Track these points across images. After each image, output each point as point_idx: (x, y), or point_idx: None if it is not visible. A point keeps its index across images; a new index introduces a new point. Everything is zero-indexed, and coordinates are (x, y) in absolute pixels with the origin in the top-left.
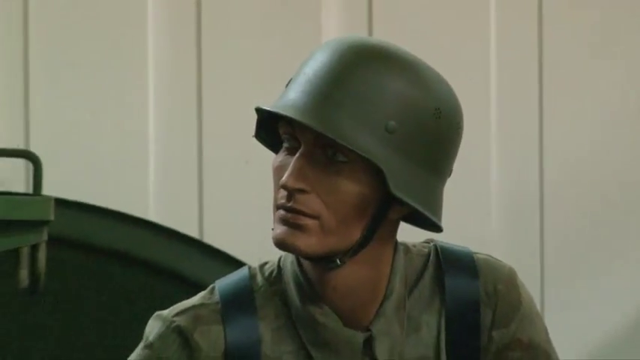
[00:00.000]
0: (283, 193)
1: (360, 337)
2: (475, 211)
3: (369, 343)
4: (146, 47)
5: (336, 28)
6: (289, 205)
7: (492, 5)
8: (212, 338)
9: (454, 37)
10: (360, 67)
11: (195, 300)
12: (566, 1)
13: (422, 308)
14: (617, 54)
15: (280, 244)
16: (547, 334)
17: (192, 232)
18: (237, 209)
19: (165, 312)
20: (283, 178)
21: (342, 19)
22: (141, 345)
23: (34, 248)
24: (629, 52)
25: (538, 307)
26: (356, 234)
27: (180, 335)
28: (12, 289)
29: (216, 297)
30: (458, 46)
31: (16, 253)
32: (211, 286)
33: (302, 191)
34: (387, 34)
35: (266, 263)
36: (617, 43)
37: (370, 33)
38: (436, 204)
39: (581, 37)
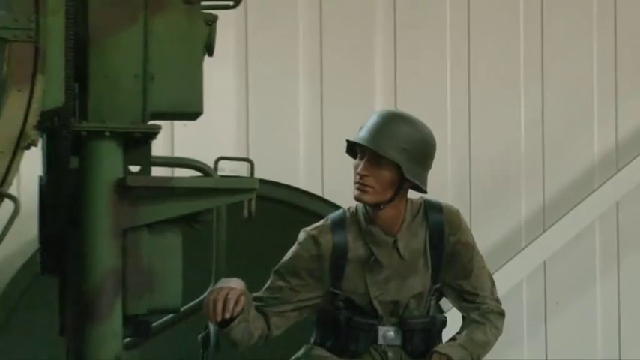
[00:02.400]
0: (357, 177)
1: (391, 239)
2: (436, 187)
3: (395, 242)
4: None
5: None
6: (360, 181)
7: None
8: (326, 240)
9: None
10: (391, 121)
11: (320, 223)
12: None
13: (417, 227)
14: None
15: (357, 198)
16: (474, 242)
17: (319, 192)
18: (338, 181)
19: (306, 228)
20: (359, 170)
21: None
22: (295, 243)
23: (250, 200)
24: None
25: (468, 223)
26: (389, 194)
27: (313, 238)
28: (240, 219)
29: (329, 222)
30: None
31: (243, 202)
32: (327, 216)
33: (365, 176)
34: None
35: (350, 207)
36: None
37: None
38: (424, 181)
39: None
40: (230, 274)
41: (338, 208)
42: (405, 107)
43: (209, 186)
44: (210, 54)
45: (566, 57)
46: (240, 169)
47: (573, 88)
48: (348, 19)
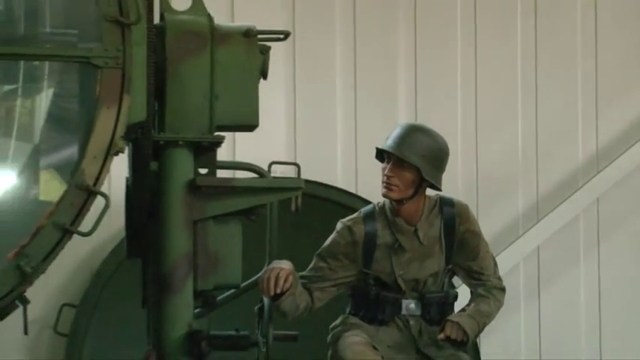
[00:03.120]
0: (385, 177)
1: (412, 228)
2: (448, 185)
3: (415, 230)
4: None
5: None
6: (387, 181)
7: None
8: (359, 229)
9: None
10: (412, 132)
11: (354, 215)
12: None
13: (434, 218)
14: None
15: (384, 195)
16: (480, 230)
17: (353, 190)
18: (369, 181)
19: (343, 219)
20: (386, 172)
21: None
22: (334, 232)
23: (297, 197)
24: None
25: (475, 215)
26: (410, 192)
27: (348, 228)
28: (288, 212)
29: (361, 214)
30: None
31: (291, 199)
32: (360, 210)
33: (391, 177)
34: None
35: (379, 202)
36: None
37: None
38: (439, 181)
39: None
40: (280, 257)
41: (369, 203)
42: (423, 120)
43: (263, 185)
44: (265, 77)
45: (555, 81)
46: (289, 171)
47: (561, 107)
48: (376, 49)
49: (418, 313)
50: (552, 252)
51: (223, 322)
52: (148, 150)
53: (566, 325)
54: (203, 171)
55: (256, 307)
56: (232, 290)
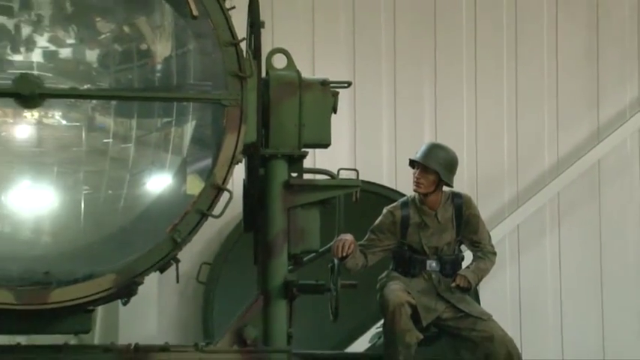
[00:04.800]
0: (415, 178)
1: (433, 212)
2: (458, 183)
3: (435, 214)
4: None
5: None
6: (416, 181)
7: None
8: (398, 213)
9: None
10: (433, 148)
11: (394, 203)
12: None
13: (448, 206)
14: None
15: (415, 190)
16: (479, 214)
17: (394, 186)
18: (405, 180)
19: (387, 206)
20: (415, 175)
21: None
22: (381, 215)
23: (356, 192)
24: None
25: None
26: (432, 188)
27: (390, 212)
28: (350, 202)
29: (399, 203)
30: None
31: (353, 193)
32: (398, 200)
33: (419, 178)
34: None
35: (411, 195)
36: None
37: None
38: (452, 181)
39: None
40: (345, 232)
41: (404, 195)
42: (441, 137)
43: (334, 184)
44: (335, 112)
45: (530, 111)
46: (351, 174)
47: (533, 129)
48: (409, 91)
49: (437, 269)
50: (528, 229)
51: (308, 275)
52: (258, 161)
53: (537, 279)
54: (294, 174)
55: (329, 265)
56: (313, 254)
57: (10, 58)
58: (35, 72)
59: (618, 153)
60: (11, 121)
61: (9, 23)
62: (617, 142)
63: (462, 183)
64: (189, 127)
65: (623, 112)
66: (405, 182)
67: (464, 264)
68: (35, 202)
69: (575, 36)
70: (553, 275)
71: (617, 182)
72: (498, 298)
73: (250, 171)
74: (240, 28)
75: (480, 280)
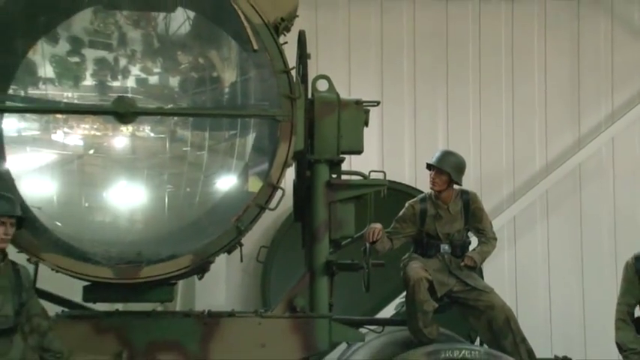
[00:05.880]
0: (431, 179)
1: (446, 206)
2: (465, 182)
3: (447, 207)
4: None
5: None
6: (432, 181)
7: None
8: (417, 207)
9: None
10: (446, 154)
11: (414, 199)
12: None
13: (457, 201)
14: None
15: (431, 188)
16: (483, 207)
17: (414, 184)
18: (423, 180)
19: (409, 201)
20: (431, 176)
21: None
22: (404, 208)
23: (384, 189)
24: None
25: (480, 197)
26: (445, 187)
27: (412, 206)
28: (379, 198)
29: (418, 199)
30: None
31: (381, 191)
32: (418, 196)
33: (435, 178)
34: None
35: (428, 192)
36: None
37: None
38: (461, 181)
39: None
40: (375, 222)
41: (422, 192)
42: (452, 144)
43: (365, 183)
44: (367, 126)
45: (524, 123)
46: (380, 175)
47: (527, 138)
48: (426, 108)
49: (449, 251)
50: (522, 220)
51: (345, 256)
52: (305, 164)
53: (530, 259)
54: (334, 176)
55: (362, 248)
56: (349, 239)
57: (109, 84)
58: (130, 95)
59: (596, 158)
60: (111, 134)
61: (109, 57)
62: (595, 149)
63: (468, 181)
64: (250, 138)
65: (600, 125)
66: (423, 182)
67: (470, 247)
68: (129, 197)
69: (561, 63)
70: (543, 257)
71: (595, 182)
72: (498, 275)
73: (299, 173)
74: (291, 59)
75: (483, 261)
